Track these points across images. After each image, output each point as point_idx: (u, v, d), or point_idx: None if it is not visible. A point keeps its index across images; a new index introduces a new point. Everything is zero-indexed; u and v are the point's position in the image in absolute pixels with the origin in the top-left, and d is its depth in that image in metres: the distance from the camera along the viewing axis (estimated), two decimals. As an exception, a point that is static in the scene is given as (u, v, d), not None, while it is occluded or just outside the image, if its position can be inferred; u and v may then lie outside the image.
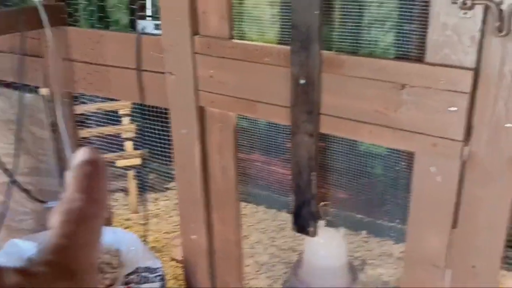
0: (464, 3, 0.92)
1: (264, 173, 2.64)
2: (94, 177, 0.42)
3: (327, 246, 2.13)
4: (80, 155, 0.43)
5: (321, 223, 2.26)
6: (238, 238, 1.47)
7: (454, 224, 1.07)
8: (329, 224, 2.29)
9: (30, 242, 1.51)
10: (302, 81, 1.13)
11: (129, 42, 1.40)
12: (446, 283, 1.12)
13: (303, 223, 1.25)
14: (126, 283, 1.39)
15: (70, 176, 0.42)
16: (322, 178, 2.44)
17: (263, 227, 2.57)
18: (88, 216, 0.40)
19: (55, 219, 0.39)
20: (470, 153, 1.01)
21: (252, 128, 2.58)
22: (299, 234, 2.44)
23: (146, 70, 1.42)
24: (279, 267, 2.31)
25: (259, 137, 2.50)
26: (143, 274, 1.42)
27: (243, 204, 2.78)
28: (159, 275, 1.44)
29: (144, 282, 1.39)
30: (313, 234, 1.25)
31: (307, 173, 1.21)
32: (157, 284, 1.39)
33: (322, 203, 2.37)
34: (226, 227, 1.46)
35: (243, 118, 2.63)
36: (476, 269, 1.07)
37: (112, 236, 1.63)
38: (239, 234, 1.46)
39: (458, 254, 1.08)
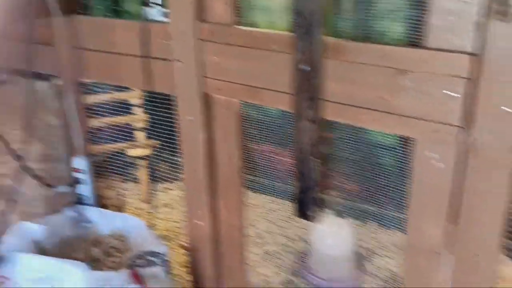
0: (465, -12, 0.91)
1: (275, 163, 2.65)
2: None
3: (335, 235, 2.14)
4: None
5: (329, 212, 2.28)
6: (242, 224, 1.48)
7: (457, 213, 1.07)
8: (338, 214, 2.30)
9: (38, 224, 1.55)
10: (304, 68, 1.13)
11: (139, 30, 1.42)
12: (449, 270, 1.12)
13: (306, 209, 1.26)
14: (131, 266, 1.42)
15: None
16: (331, 169, 2.44)
17: (272, 217, 2.58)
18: None
19: None
20: (473, 141, 1.00)
21: (263, 118, 2.59)
22: (307, 224, 2.45)
23: (155, 58, 1.44)
24: (287, 256, 2.32)
25: (269, 127, 2.50)
26: (148, 258, 1.44)
27: (252, 194, 2.80)
28: (164, 260, 1.46)
29: (149, 266, 1.42)
30: (315, 220, 1.26)
31: (310, 159, 1.22)
32: (160, 268, 1.42)
33: (331, 192, 2.37)
34: (231, 214, 1.48)
35: (254, 108, 2.64)
36: (479, 258, 1.07)
37: (119, 222, 1.66)
38: (243, 220, 1.48)
39: (461, 242, 1.08)
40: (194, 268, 1.61)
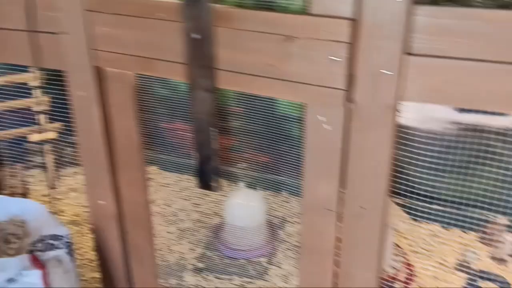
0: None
1: (187, 142, 2.64)
2: None
3: (246, 207, 2.19)
4: None
5: (240, 185, 2.31)
6: (146, 200, 1.46)
7: (344, 170, 1.13)
8: (249, 186, 2.34)
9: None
10: (195, 36, 1.13)
11: (24, 3, 1.33)
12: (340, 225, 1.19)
13: (206, 179, 1.27)
14: (31, 251, 1.36)
15: None
16: (240, 141, 2.47)
17: (187, 194, 2.58)
18: None
19: None
20: (355, 102, 1.06)
21: (173, 96, 2.55)
22: (221, 198, 2.47)
23: (42, 32, 1.36)
24: (202, 232, 2.34)
25: (178, 103, 2.48)
26: (49, 241, 1.39)
27: (166, 173, 2.77)
28: (66, 242, 1.41)
29: (50, 250, 1.37)
30: (216, 189, 1.28)
31: (207, 129, 1.22)
32: (63, 251, 1.37)
33: (241, 165, 2.40)
34: (134, 191, 1.45)
35: (162, 85, 2.60)
36: (364, 210, 1.14)
37: (18, 207, 1.58)
38: (147, 196, 1.46)
39: (348, 197, 1.14)
40: (100, 248, 1.58)
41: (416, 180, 1.97)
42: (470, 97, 0.97)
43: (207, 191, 1.35)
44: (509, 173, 1.84)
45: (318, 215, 1.18)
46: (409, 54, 0.99)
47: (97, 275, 1.71)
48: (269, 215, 2.37)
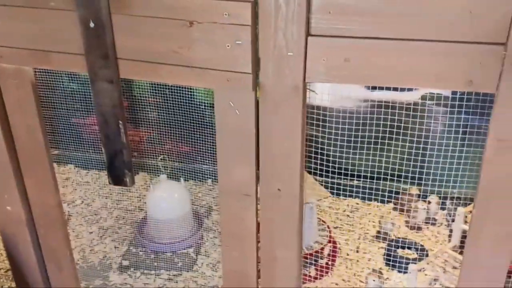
0: None
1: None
2: None
3: (169, 198, 2.15)
4: None
5: (162, 176, 2.26)
6: (58, 201, 1.39)
7: (258, 154, 1.13)
8: (171, 177, 2.30)
9: None
10: (91, 25, 1.07)
11: None
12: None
13: (118, 174, 1.22)
14: None
15: None
16: (159, 132, 2.41)
17: (107, 192, 2.49)
18: None
19: None
20: (260, 84, 1.06)
21: (82, 89, 2.44)
22: (143, 193, 2.40)
23: None
24: (125, 229, 2.27)
25: (89, 99, 2.37)
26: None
27: (84, 171, 2.66)
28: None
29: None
30: (129, 183, 1.23)
31: (114, 122, 1.17)
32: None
33: (162, 156, 2.35)
34: (43, 192, 1.37)
35: (72, 80, 2.47)
36: (281, 192, 1.15)
37: None
38: (58, 197, 1.39)
39: (264, 179, 1.15)
40: (13, 256, 1.48)
41: (336, 158, 2.03)
42: (372, 74, 1.00)
43: (122, 186, 1.30)
44: (417, 145, 1.95)
45: (236, 201, 1.18)
46: (310, 35, 1.00)
47: (13, 284, 1.61)
48: (195, 204, 2.35)
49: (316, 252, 1.96)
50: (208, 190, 2.50)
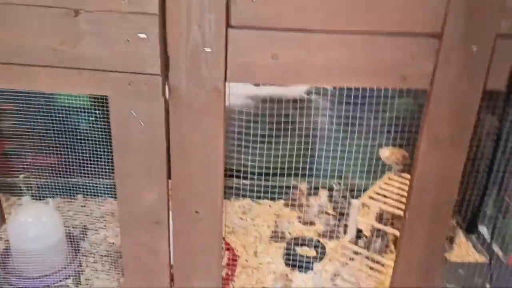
0: None
1: None
2: None
3: (36, 224, 1.81)
4: None
5: (25, 198, 1.90)
6: None
7: (169, 172, 0.94)
8: (35, 197, 1.94)
9: None
10: None
11: None
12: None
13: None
14: None
15: None
16: (17, 145, 2.04)
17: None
18: None
19: None
20: (171, 88, 0.86)
21: None
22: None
23: None
24: (-20, 264, 1.86)
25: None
26: None
27: None
28: None
29: None
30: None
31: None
32: None
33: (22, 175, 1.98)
34: None
35: None
36: (200, 215, 0.97)
37: None
38: None
39: (178, 202, 0.96)
40: None
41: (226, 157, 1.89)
42: (303, 72, 0.87)
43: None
44: (306, 140, 1.90)
45: (145, 231, 0.97)
46: (231, 26, 0.83)
47: None
48: (66, 226, 2.02)
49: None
50: (80, 207, 2.18)
